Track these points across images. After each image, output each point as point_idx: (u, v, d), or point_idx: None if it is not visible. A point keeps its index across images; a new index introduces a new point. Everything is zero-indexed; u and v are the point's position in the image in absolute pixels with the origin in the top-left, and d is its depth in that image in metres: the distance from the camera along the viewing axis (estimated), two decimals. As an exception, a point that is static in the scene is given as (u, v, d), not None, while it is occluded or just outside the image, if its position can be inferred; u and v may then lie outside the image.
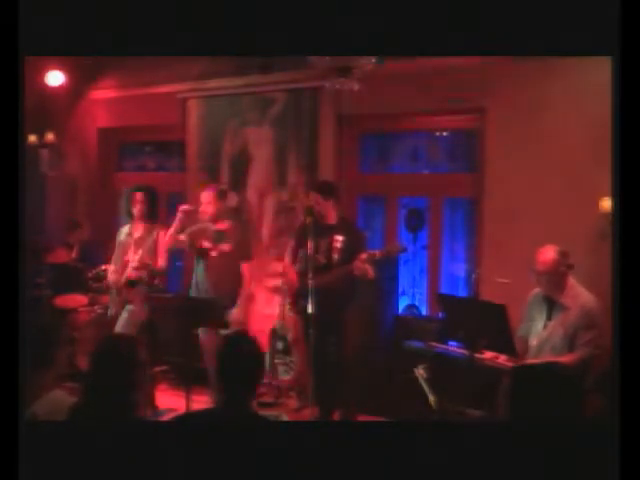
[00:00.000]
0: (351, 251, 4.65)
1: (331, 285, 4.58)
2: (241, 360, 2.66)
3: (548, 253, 3.95)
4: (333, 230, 4.74)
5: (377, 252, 4.62)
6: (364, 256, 4.56)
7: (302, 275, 4.76)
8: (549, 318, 4.02)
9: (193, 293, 5.27)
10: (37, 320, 5.22)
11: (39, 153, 7.14)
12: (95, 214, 7.39)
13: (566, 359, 3.84)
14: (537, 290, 4.12)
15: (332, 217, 4.79)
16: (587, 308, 3.90)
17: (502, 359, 3.98)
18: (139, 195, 5.42)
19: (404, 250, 4.69)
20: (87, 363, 2.68)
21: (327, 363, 4.60)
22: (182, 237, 5.22)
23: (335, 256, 4.70)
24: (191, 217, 5.30)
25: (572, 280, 3.99)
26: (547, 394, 2.38)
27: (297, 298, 4.85)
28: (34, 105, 6.22)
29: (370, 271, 4.59)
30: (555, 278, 3.95)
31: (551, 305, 4.02)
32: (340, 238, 4.71)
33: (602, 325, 3.83)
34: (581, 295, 3.96)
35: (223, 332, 4.89)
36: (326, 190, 4.83)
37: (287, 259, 5.07)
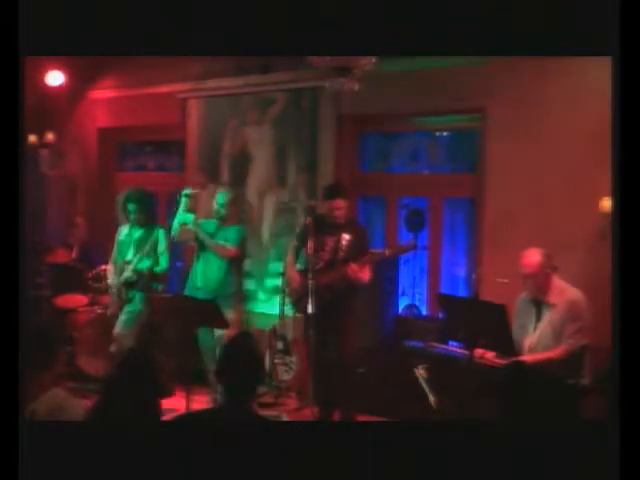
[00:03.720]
0: (355, 249, 4.64)
1: (331, 285, 4.57)
2: (242, 360, 2.67)
3: (533, 256, 4.04)
4: (341, 228, 4.72)
5: (386, 251, 4.64)
6: (368, 257, 4.57)
7: (304, 275, 4.75)
8: (538, 319, 4.08)
9: (189, 293, 5.26)
10: (37, 320, 5.23)
11: (39, 153, 7.14)
12: (95, 214, 7.38)
13: (554, 353, 3.89)
14: (522, 296, 4.19)
15: (342, 216, 4.76)
16: (572, 301, 3.97)
17: (490, 356, 4.01)
18: (131, 206, 5.42)
19: (414, 247, 4.66)
20: (108, 374, 2.68)
21: (327, 363, 4.59)
22: (190, 227, 5.25)
23: (341, 254, 4.68)
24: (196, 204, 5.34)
25: (556, 279, 4.07)
26: (534, 393, 2.39)
27: (300, 298, 4.83)
28: (34, 105, 6.22)
29: (364, 275, 4.58)
30: (540, 279, 4.03)
31: (539, 306, 4.09)
32: (347, 237, 4.70)
33: (588, 317, 3.93)
34: (566, 291, 4.03)
35: (220, 332, 4.92)
36: (345, 193, 4.79)
37: (290, 258, 5.04)
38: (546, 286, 4.03)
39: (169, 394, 2.64)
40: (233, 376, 2.65)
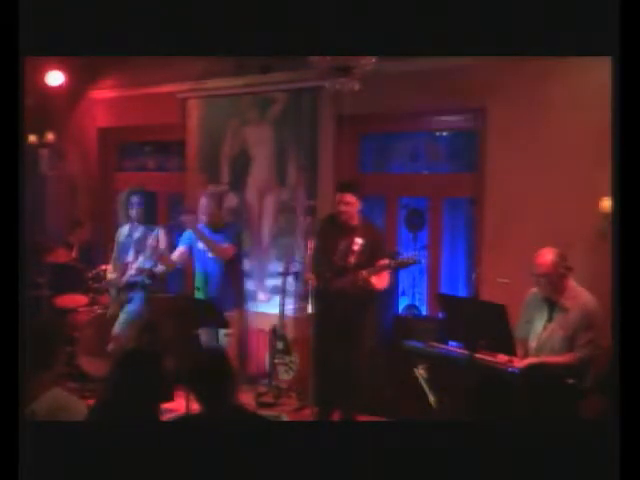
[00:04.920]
0: (369, 255, 4.54)
1: (344, 291, 4.50)
2: (202, 367, 2.78)
3: (546, 255, 3.97)
4: (354, 232, 4.61)
5: (391, 262, 4.51)
6: (383, 262, 4.47)
7: (320, 276, 4.67)
8: (550, 319, 4.02)
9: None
10: (37, 320, 5.23)
11: (39, 153, 7.14)
12: (95, 214, 7.39)
13: (565, 359, 3.86)
14: (534, 290, 4.11)
15: (356, 218, 4.66)
16: (587, 309, 3.91)
17: (500, 358, 4.00)
18: (135, 199, 5.42)
19: (418, 261, 4.55)
20: (108, 374, 2.69)
21: (334, 366, 4.53)
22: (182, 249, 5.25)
23: (352, 259, 4.57)
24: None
25: (572, 281, 4.00)
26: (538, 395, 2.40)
27: (311, 298, 4.78)
28: (34, 105, 6.22)
29: (379, 284, 4.51)
30: (554, 280, 3.96)
31: (551, 306, 4.02)
32: (360, 241, 4.56)
33: (602, 325, 3.84)
34: (581, 296, 3.97)
35: (223, 332, 4.92)
36: (356, 189, 4.67)
37: (308, 259, 4.98)
38: (560, 287, 3.96)
39: (170, 398, 2.65)
40: (196, 386, 2.73)
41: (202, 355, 2.93)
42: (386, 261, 4.51)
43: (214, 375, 2.72)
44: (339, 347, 4.52)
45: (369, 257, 4.54)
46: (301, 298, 4.82)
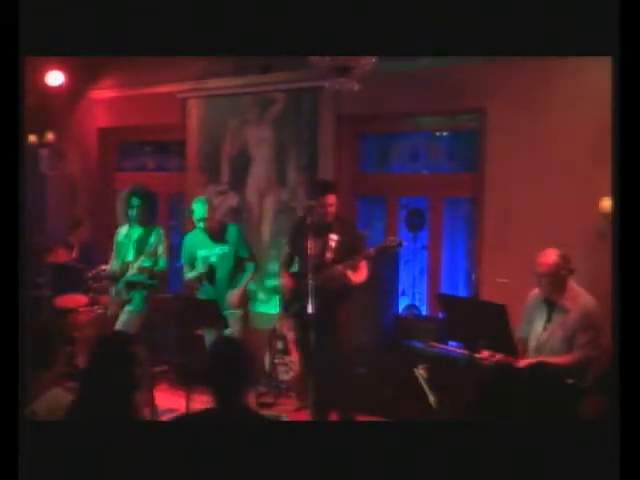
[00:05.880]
0: (346, 251, 4.57)
1: (323, 285, 4.52)
2: (226, 360, 2.71)
3: (549, 256, 3.97)
4: (329, 229, 4.64)
5: (372, 250, 4.53)
6: (357, 258, 4.48)
7: (297, 276, 4.71)
8: (549, 320, 4.02)
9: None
10: (37, 320, 5.24)
11: (39, 153, 7.15)
12: (95, 214, 7.39)
13: (563, 359, 3.86)
14: (536, 291, 4.12)
15: (331, 214, 4.69)
16: (586, 310, 3.91)
17: (499, 358, 3.99)
18: (135, 200, 5.39)
19: (399, 244, 4.55)
20: (85, 361, 2.69)
21: (323, 363, 4.54)
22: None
23: (329, 255, 4.59)
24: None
25: (572, 282, 4.00)
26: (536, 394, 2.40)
27: (290, 300, 4.81)
28: (34, 105, 6.22)
29: (355, 277, 4.53)
30: (556, 280, 3.96)
31: (551, 307, 4.02)
32: (335, 237, 4.61)
33: (601, 326, 3.84)
34: (581, 297, 3.97)
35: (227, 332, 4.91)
36: (335, 188, 4.72)
37: (281, 260, 5.02)
38: (561, 288, 3.96)
39: (139, 388, 2.63)
40: (218, 379, 2.69)
41: (225, 348, 2.87)
42: (370, 250, 4.52)
43: (234, 369, 2.69)
44: (322, 344, 4.51)
45: (346, 253, 4.56)
46: (288, 300, 4.81)
